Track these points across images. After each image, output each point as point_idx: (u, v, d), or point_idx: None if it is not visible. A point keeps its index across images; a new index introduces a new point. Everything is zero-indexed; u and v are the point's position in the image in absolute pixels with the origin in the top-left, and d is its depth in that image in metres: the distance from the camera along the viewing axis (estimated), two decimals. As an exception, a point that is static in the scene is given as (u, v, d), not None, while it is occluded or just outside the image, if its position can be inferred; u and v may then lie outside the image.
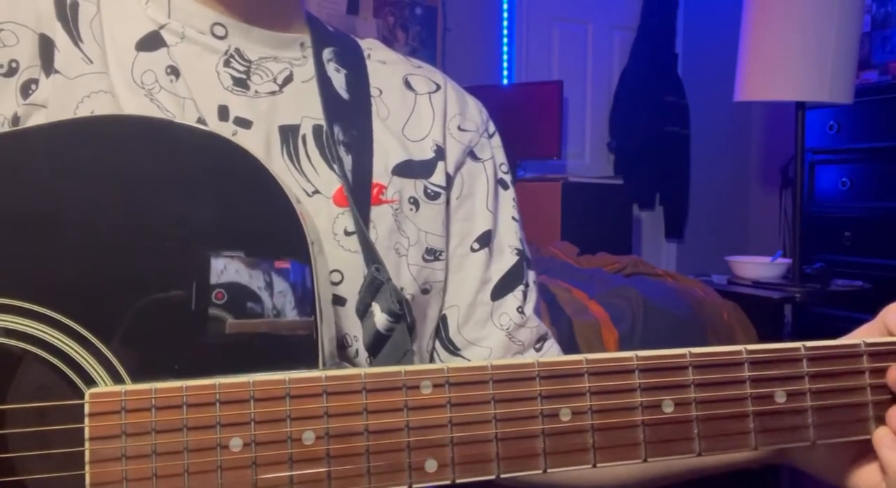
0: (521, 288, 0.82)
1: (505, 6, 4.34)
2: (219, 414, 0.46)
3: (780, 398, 0.50)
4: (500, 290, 0.81)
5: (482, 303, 0.80)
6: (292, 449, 0.46)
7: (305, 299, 0.54)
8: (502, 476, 0.47)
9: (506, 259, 0.82)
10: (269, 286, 0.53)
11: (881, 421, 0.52)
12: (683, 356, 0.49)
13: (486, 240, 0.80)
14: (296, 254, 0.55)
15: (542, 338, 0.84)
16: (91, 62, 0.66)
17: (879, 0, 3.98)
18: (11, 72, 0.64)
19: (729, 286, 3.01)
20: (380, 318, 0.68)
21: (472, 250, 0.80)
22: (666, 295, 2.54)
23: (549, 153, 3.93)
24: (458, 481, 0.46)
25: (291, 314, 0.53)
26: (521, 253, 0.83)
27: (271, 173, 0.56)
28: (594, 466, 0.47)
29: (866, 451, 0.54)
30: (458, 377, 0.47)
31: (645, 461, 0.48)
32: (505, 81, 4.36)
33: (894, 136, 3.53)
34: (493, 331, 0.80)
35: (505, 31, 4.36)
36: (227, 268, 0.53)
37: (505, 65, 4.37)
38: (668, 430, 0.49)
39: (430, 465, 0.46)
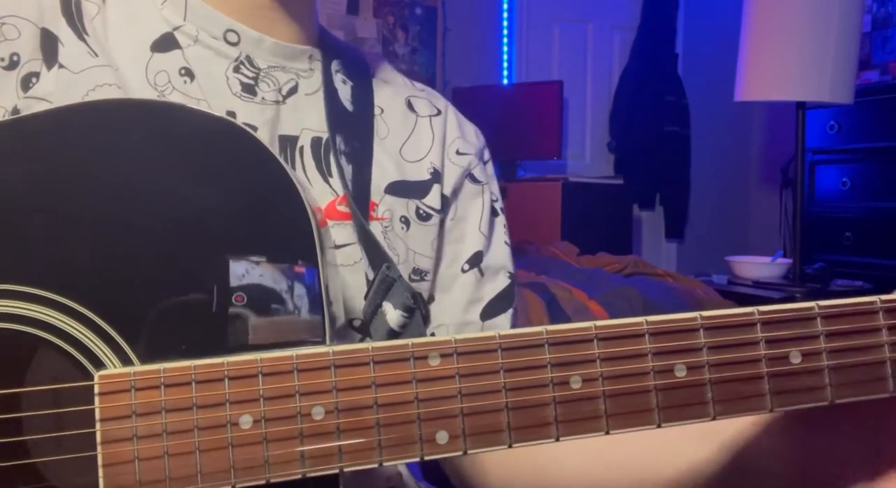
0: (511, 311, 0.83)
1: (505, 6, 4.34)
2: (228, 392, 0.46)
3: (795, 358, 0.49)
4: (491, 311, 0.81)
5: (471, 322, 0.80)
6: (302, 424, 0.46)
7: (315, 297, 0.54)
8: (514, 445, 0.46)
9: (499, 281, 0.83)
10: (291, 289, 0.53)
11: None
12: (694, 319, 0.48)
13: (476, 260, 0.81)
14: (306, 247, 0.55)
15: None
16: (96, 55, 0.66)
17: (879, 0, 3.99)
18: (12, 65, 0.65)
19: (729, 286, 3.02)
20: (393, 316, 0.69)
21: (463, 271, 0.81)
22: (666, 295, 2.55)
23: (549, 153, 3.93)
24: (469, 452, 0.46)
25: (306, 313, 0.53)
26: (512, 277, 0.84)
27: (279, 161, 0.56)
28: (607, 433, 0.47)
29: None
30: (466, 347, 0.47)
31: (659, 426, 0.48)
32: (505, 81, 4.37)
33: (894, 136, 3.53)
34: None
35: (505, 31, 4.36)
36: (248, 272, 0.53)
37: (505, 65, 4.37)
38: (681, 395, 0.48)
39: (442, 437, 0.46)
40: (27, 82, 0.64)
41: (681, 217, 4.69)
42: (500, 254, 0.84)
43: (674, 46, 4.60)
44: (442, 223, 0.79)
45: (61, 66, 0.65)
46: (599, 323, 0.47)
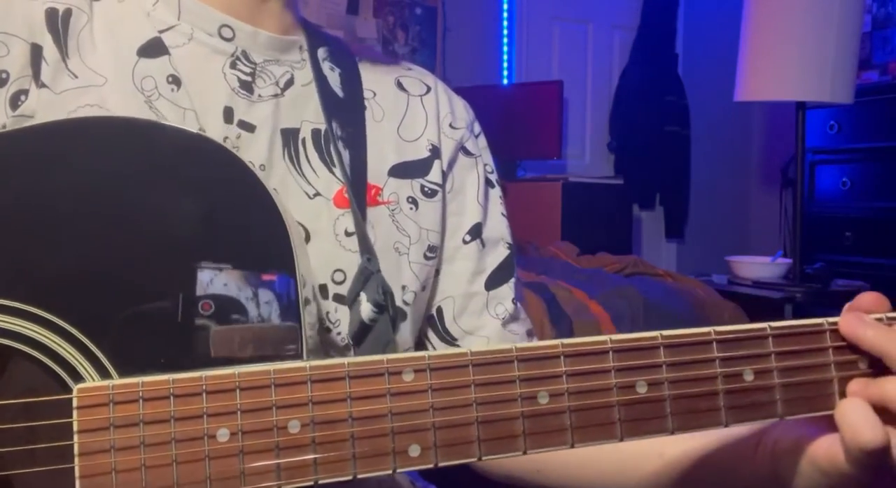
0: (513, 280, 0.84)
1: (505, 6, 4.34)
2: (206, 405, 0.47)
3: (748, 376, 0.52)
4: (495, 281, 0.83)
5: (477, 293, 0.82)
6: (279, 438, 0.46)
7: (284, 303, 0.55)
8: (483, 458, 0.47)
9: (500, 251, 0.84)
10: (256, 296, 0.54)
11: (846, 396, 0.53)
12: (655, 338, 0.51)
13: (476, 231, 0.82)
14: (281, 257, 0.55)
15: (530, 333, 0.86)
16: (76, 77, 0.66)
17: (879, 0, 3.98)
18: (1, 83, 0.64)
19: (729, 286, 3.02)
20: (365, 308, 0.70)
21: (465, 242, 0.82)
22: (666, 295, 2.54)
23: (549, 153, 3.93)
24: (440, 464, 0.47)
25: (276, 320, 0.54)
26: (511, 247, 0.86)
27: (256, 174, 0.56)
28: (572, 446, 0.49)
29: None
30: (439, 363, 0.48)
31: (621, 440, 0.49)
32: (505, 81, 4.37)
33: (894, 136, 3.53)
34: (489, 320, 0.82)
35: (505, 31, 4.36)
36: (213, 280, 0.53)
37: (505, 65, 4.37)
38: (642, 410, 0.50)
39: (414, 450, 0.47)
40: (16, 100, 0.64)
41: (681, 217, 4.68)
42: (497, 225, 0.85)
43: (674, 46, 4.59)
44: (444, 197, 0.81)
45: (43, 85, 0.65)
46: (566, 341, 0.49)
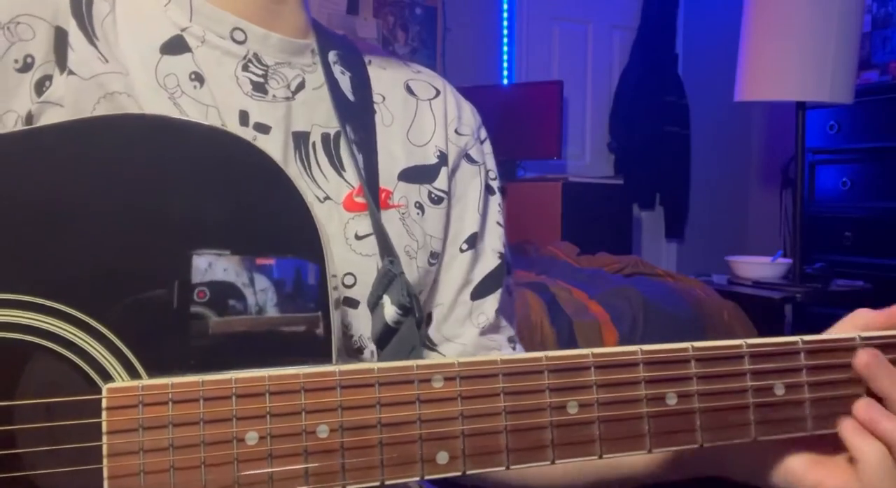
0: (500, 290, 0.84)
1: (505, 6, 4.34)
2: (235, 408, 0.47)
3: (779, 390, 0.52)
4: (481, 291, 0.83)
5: (462, 302, 0.82)
6: (307, 442, 0.47)
7: (312, 296, 0.55)
8: (511, 467, 0.48)
9: (489, 261, 0.84)
10: (278, 284, 0.54)
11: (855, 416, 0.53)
12: (686, 350, 0.51)
13: (473, 241, 0.83)
14: (310, 252, 0.56)
15: (511, 339, 0.87)
16: (107, 61, 0.66)
17: (879, 0, 3.99)
18: (26, 67, 0.64)
19: (729, 286, 3.02)
20: (389, 311, 0.70)
21: (461, 251, 0.82)
22: (666, 295, 2.55)
23: (549, 153, 3.93)
24: (468, 472, 0.47)
25: (271, 310, 0.54)
26: (503, 257, 0.85)
27: (284, 171, 0.57)
28: (600, 457, 0.49)
29: (809, 449, 0.55)
30: (469, 371, 0.48)
31: (650, 451, 0.49)
32: (505, 81, 4.36)
33: (894, 136, 3.53)
34: (469, 328, 0.82)
35: (505, 31, 4.36)
36: (217, 267, 0.54)
37: (505, 65, 4.37)
38: (671, 422, 0.50)
39: (442, 457, 0.47)
40: (41, 86, 0.64)
41: (681, 217, 4.68)
42: (492, 235, 0.85)
43: (674, 46, 4.59)
44: (449, 204, 0.81)
45: (71, 72, 0.64)
46: (596, 350, 0.49)
